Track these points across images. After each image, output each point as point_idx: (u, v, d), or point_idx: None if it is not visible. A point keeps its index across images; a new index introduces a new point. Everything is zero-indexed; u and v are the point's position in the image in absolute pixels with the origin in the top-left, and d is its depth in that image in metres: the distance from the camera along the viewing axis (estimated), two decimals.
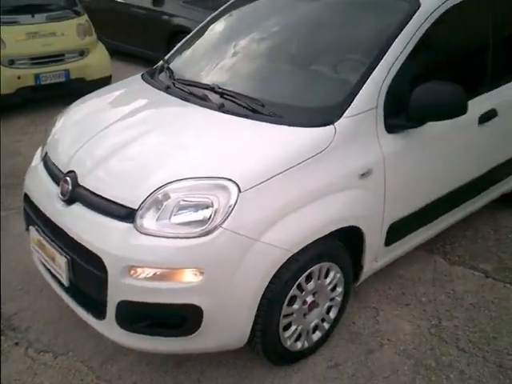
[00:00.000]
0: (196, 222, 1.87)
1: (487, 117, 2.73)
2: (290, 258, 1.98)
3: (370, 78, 2.19)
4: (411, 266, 3.02)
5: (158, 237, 1.89)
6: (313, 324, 2.28)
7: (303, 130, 2.10)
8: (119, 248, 1.91)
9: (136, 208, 1.93)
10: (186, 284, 1.87)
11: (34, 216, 2.35)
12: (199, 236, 1.84)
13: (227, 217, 1.84)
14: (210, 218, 1.85)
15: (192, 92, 2.49)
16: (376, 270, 2.59)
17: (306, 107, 2.23)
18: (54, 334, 2.50)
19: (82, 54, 5.93)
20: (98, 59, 6.10)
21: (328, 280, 2.25)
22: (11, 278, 2.88)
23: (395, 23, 2.33)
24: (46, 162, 2.45)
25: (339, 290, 2.33)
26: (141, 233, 1.90)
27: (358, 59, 2.33)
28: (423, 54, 2.37)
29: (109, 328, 2.04)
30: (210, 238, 1.84)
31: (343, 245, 2.26)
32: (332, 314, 2.37)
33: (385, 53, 2.23)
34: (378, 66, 2.20)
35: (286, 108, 2.22)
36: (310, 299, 2.21)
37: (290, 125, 2.12)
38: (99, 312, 2.05)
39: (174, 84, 2.62)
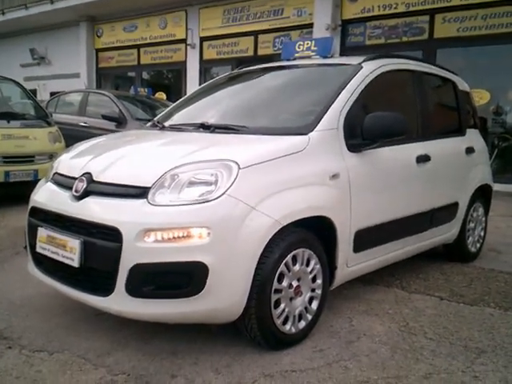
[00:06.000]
0: (203, 193, 2.23)
1: (423, 159, 3.39)
2: (278, 236, 2.33)
3: (330, 109, 2.82)
4: (375, 294, 3.36)
5: (170, 206, 2.22)
6: (298, 310, 2.53)
7: (286, 137, 2.64)
8: (134, 216, 2.21)
9: (149, 186, 2.28)
10: (195, 243, 2.15)
11: (42, 219, 2.59)
12: (207, 201, 2.20)
13: (230, 186, 2.23)
14: (215, 188, 2.23)
15: (185, 127, 3.00)
16: (347, 278, 2.93)
17: (288, 126, 2.83)
18: (46, 339, 2.55)
19: (51, 157, 6.42)
20: None
21: (309, 268, 2.57)
22: None
23: (345, 78, 3.06)
24: (55, 178, 2.77)
25: (319, 281, 2.63)
26: (154, 205, 2.23)
27: (321, 99, 2.96)
28: (368, 99, 3.06)
29: (116, 301, 2.22)
30: (216, 202, 2.19)
31: (321, 243, 2.63)
32: (314, 306, 2.62)
33: (339, 94, 2.90)
34: (335, 102, 2.85)
35: (270, 128, 2.78)
36: (295, 283, 2.49)
37: (274, 134, 2.66)
38: (106, 288, 2.25)
39: (167, 126, 3.14)
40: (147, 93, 10.14)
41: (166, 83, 15.33)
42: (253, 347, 2.48)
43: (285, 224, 2.35)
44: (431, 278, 3.78)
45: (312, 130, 2.69)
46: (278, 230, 2.33)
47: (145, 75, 14.89)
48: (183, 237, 2.16)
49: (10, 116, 6.35)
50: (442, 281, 3.74)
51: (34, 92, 15.05)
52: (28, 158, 6.22)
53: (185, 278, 2.16)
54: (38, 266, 2.67)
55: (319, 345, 2.57)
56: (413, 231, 3.43)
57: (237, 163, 2.30)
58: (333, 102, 2.85)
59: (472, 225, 4.27)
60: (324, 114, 2.78)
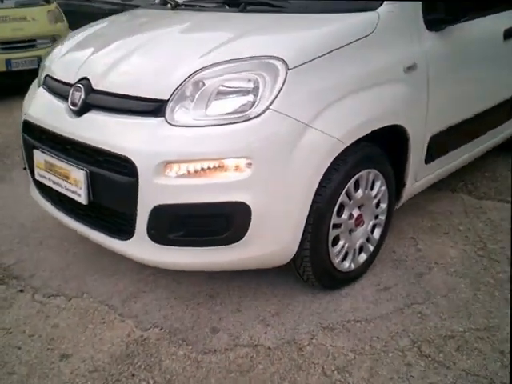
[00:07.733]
0: (239, 107, 1.63)
1: (510, 34, 2.62)
2: (339, 158, 1.77)
3: None
4: (439, 203, 2.85)
5: (196, 127, 1.64)
6: (359, 243, 2.07)
7: (347, 15, 1.92)
8: (150, 143, 1.66)
9: (166, 99, 1.68)
10: (233, 178, 1.62)
11: (39, 140, 2.06)
12: (244, 120, 1.61)
13: (275, 97, 1.62)
14: (255, 101, 1.62)
15: (206, 5, 2.28)
16: (413, 193, 2.41)
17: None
18: (62, 279, 2.19)
19: (54, 40, 5.65)
20: None
21: (374, 192, 2.04)
22: (6, 232, 2.56)
23: None
24: (47, 83, 2.18)
25: (383, 206, 2.13)
26: (174, 125, 1.65)
27: None
28: None
29: (138, 247, 1.77)
30: (257, 122, 1.61)
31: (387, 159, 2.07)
32: (376, 235, 2.15)
33: None
34: None
35: (324, 3, 2.04)
36: (356, 213, 1.99)
37: (331, 12, 1.94)
38: (124, 230, 1.78)
39: (181, 4, 2.41)
40: None
41: None
42: (302, 285, 2.08)
43: (349, 144, 1.77)
44: (499, 177, 3.21)
45: (382, 3, 1.95)
46: (341, 152, 1.76)
47: None
48: (217, 169, 1.61)
49: None
50: None
51: None
52: (29, 43, 5.50)
53: (221, 222, 1.66)
54: (41, 193, 2.21)
55: (383, 280, 2.14)
56: (491, 126, 2.80)
57: (284, 61, 1.66)
58: None
59: None
60: None
